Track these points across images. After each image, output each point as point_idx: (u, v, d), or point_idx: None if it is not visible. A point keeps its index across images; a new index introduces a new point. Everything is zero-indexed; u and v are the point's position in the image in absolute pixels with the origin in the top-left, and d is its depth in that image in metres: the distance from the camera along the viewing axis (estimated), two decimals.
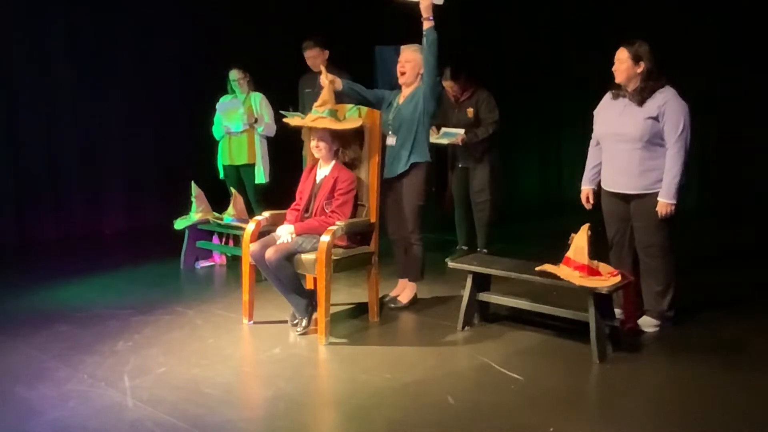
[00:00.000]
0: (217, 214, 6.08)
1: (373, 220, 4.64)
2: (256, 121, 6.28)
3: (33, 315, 4.88)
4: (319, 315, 4.33)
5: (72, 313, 4.90)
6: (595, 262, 4.09)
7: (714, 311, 4.77)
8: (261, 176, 6.37)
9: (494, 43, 8.62)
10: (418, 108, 4.76)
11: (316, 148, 4.54)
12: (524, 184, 9.16)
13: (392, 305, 4.95)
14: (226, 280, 5.91)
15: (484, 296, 4.55)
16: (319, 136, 4.52)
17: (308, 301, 4.49)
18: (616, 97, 4.30)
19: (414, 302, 4.97)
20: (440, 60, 4.67)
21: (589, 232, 4.07)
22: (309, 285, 4.96)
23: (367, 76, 10.02)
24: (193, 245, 6.19)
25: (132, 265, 6.21)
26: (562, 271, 4.09)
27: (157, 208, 7.60)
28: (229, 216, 5.99)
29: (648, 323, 4.37)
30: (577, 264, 4.04)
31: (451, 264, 4.57)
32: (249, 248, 4.53)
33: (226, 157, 6.47)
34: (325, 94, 4.48)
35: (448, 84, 5.78)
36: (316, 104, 4.52)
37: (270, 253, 4.30)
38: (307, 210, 4.57)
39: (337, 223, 4.40)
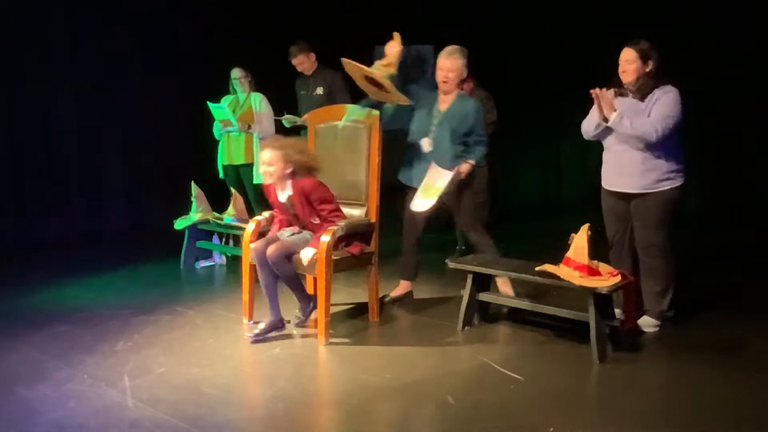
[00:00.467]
0: (217, 214, 6.09)
1: (373, 220, 4.64)
2: (249, 127, 6.27)
3: (33, 315, 4.88)
4: (319, 315, 4.33)
5: (72, 313, 4.90)
6: (595, 262, 4.09)
7: (714, 311, 4.77)
8: (260, 176, 6.36)
9: (494, 43, 8.63)
10: (468, 122, 4.71)
11: (266, 174, 4.37)
12: (524, 184, 9.16)
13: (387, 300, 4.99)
14: (226, 280, 5.91)
15: (484, 296, 4.55)
16: (267, 161, 4.34)
17: (310, 305, 4.50)
18: (617, 96, 4.29)
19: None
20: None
21: (589, 232, 4.07)
22: (309, 285, 4.96)
23: None
24: (193, 245, 6.19)
25: (132, 265, 6.21)
26: (562, 271, 4.09)
27: (157, 208, 7.60)
28: (229, 216, 5.99)
29: (648, 323, 4.38)
30: (577, 264, 4.04)
31: (451, 264, 4.57)
32: (249, 248, 4.53)
33: (225, 156, 6.48)
34: (392, 58, 4.40)
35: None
36: (382, 62, 4.44)
37: (271, 250, 4.30)
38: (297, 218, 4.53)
39: (338, 223, 4.40)
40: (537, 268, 4.27)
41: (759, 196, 7.61)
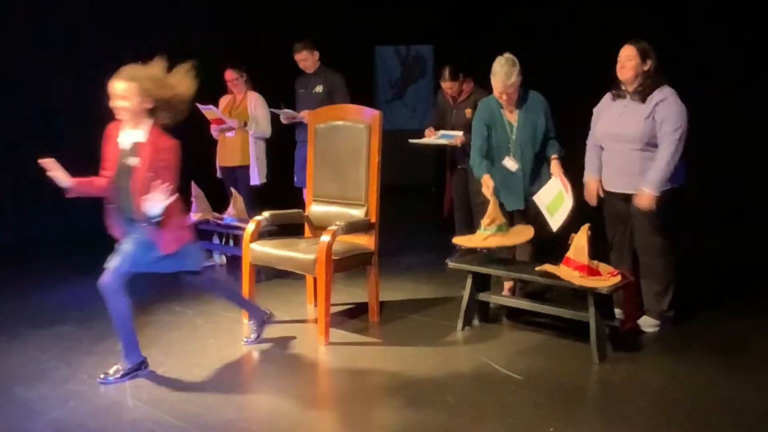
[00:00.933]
0: (217, 214, 6.08)
1: (373, 220, 4.64)
2: (245, 124, 6.27)
3: (33, 315, 4.88)
4: (319, 315, 4.33)
5: (72, 313, 4.90)
6: (595, 262, 4.10)
7: (714, 311, 4.77)
8: (255, 178, 6.36)
9: (496, 42, 8.64)
10: (538, 127, 4.56)
11: (119, 110, 3.81)
12: None
13: None
14: (226, 280, 5.90)
15: (484, 296, 4.55)
16: (120, 94, 3.79)
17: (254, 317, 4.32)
18: (615, 98, 4.31)
19: None
20: None
21: (589, 232, 4.08)
22: (309, 285, 4.97)
23: (367, 76, 10.07)
24: None
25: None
26: (562, 271, 4.09)
27: None
28: (229, 216, 5.99)
29: (648, 323, 4.38)
30: (577, 264, 4.04)
31: (451, 264, 4.57)
32: (249, 248, 4.53)
33: (221, 157, 6.48)
34: (492, 211, 4.28)
35: (446, 85, 5.73)
36: (484, 222, 4.30)
37: (105, 277, 3.73)
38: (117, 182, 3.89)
39: (337, 222, 4.40)
40: (537, 268, 4.27)
41: (759, 195, 7.60)
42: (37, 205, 7.18)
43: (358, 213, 4.65)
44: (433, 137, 5.69)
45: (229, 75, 6.33)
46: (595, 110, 4.45)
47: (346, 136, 4.77)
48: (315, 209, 4.89)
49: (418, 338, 4.41)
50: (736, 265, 5.98)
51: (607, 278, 4.01)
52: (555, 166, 4.54)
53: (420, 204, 9.13)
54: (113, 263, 3.74)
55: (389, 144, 5.97)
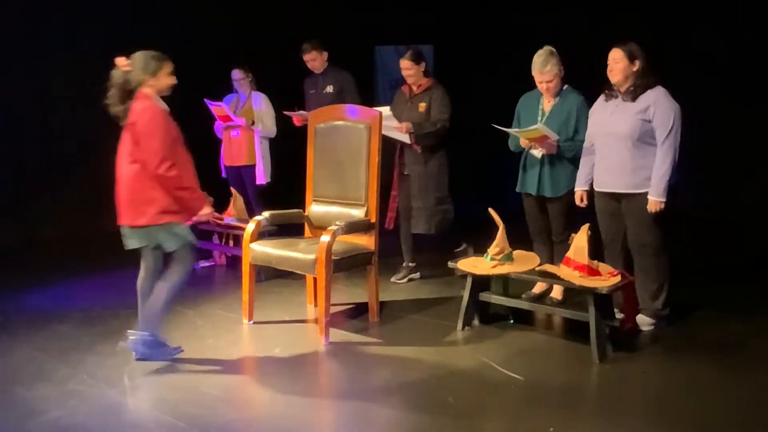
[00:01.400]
0: (217, 214, 6.07)
1: (373, 220, 4.64)
2: (253, 123, 6.27)
3: (33, 315, 4.88)
4: (319, 315, 4.33)
5: (72, 313, 4.90)
6: (595, 262, 4.10)
7: (714, 311, 4.77)
8: (261, 177, 6.37)
9: (496, 42, 8.64)
10: (568, 122, 4.54)
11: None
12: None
13: None
14: (226, 280, 5.90)
15: (484, 296, 4.56)
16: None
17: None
18: (608, 98, 4.35)
19: None
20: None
21: (589, 232, 4.08)
22: (309, 285, 4.97)
23: (367, 76, 10.06)
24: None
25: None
26: (562, 271, 4.09)
27: None
28: (229, 216, 5.99)
29: (643, 322, 4.38)
30: (577, 264, 4.04)
31: (451, 264, 4.57)
32: (249, 248, 4.53)
33: (227, 157, 6.48)
34: (500, 240, 4.30)
35: (404, 64, 5.31)
36: (492, 251, 4.30)
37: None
38: None
39: (337, 222, 4.40)
40: (537, 268, 4.28)
41: (758, 195, 7.60)
42: (37, 205, 7.18)
43: (358, 213, 4.65)
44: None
45: (236, 75, 6.34)
46: (590, 111, 4.48)
47: (346, 136, 4.77)
48: (315, 209, 4.89)
49: (418, 338, 4.41)
50: (734, 265, 5.98)
51: (607, 278, 4.01)
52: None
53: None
54: None
55: (389, 144, 5.98)
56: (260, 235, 4.69)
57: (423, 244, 6.08)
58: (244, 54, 6.78)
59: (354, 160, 4.71)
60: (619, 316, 4.23)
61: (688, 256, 5.66)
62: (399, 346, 4.31)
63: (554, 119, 4.57)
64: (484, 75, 8.54)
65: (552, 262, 4.51)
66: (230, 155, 6.44)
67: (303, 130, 6.13)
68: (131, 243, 3.97)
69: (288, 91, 6.54)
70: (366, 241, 4.64)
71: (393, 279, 5.65)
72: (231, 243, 6.17)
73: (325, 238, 4.29)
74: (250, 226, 4.66)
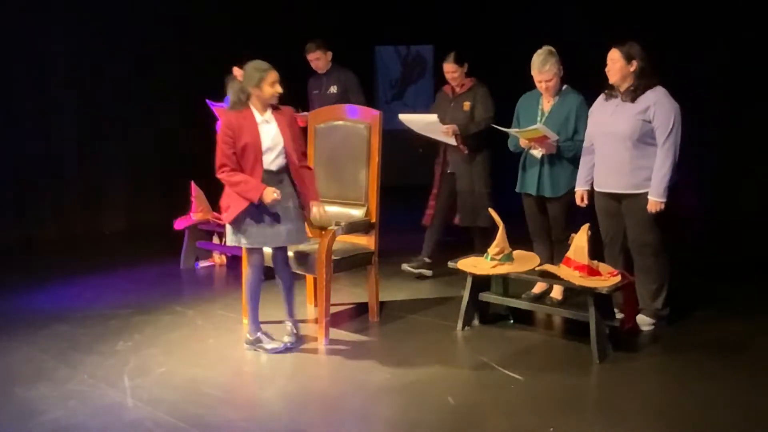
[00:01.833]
0: (217, 214, 6.08)
1: (373, 220, 4.64)
2: None
3: (33, 315, 4.88)
4: (319, 315, 4.33)
5: (72, 313, 4.90)
6: (595, 262, 4.10)
7: (714, 311, 4.77)
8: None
9: (496, 42, 8.63)
10: (567, 122, 4.53)
11: (274, 96, 4.09)
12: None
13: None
14: (226, 280, 5.90)
15: (484, 296, 4.56)
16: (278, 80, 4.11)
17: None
18: (608, 97, 4.35)
19: None
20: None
21: (589, 232, 4.08)
22: (309, 285, 4.97)
23: (367, 76, 10.06)
24: (193, 245, 6.19)
25: (132, 265, 6.21)
26: (562, 271, 4.09)
27: (157, 208, 7.60)
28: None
29: (643, 322, 4.38)
30: (577, 264, 4.04)
31: (451, 264, 4.57)
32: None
33: None
34: (500, 240, 4.29)
35: (448, 68, 5.49)
36: (492, 251, 4.30)
37: (276, 259, 4.24)
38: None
39: (337, 222, 4.39)
40: (537, 268, 4.28)
41: (758, 195, 7.60)
42: (37, 205, 7.18)
43: (358, 213, 4.65)
44: (421, 116, 5.56)
45: (237, 74, 6.32)
46: (589, 112, 4.48)
47: (346, 136, 4.77)
48: (315, 209, 4.87)
49: (418, 338, 4.41)
50: (734, 264, 5.98)
51: (607, 278, 4.01)
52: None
53: (420, 204, 9.11)
54: None
55: (389, 144, 5.98)
56: None
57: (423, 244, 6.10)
58: (245, 54, 6.76)
59: (354, 160, 4.71)
60: (619, 316, 4.22)
61: (688, 256, 5.67)
62: (399, 346, 4.31)
63: (554, 119, 4.57)
64: (484, 75, 8.51)
65: (552, 262, 4.51)
66: None
67: (303, 131, 6.12)
68: None
69: (289, 91, 6.51)
70: (366, 241, 4.64)
71: (404, 266, 5.75)
72: None
73: (325, 238, 4.29)
74: None
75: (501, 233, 4.32)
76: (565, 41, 5.07)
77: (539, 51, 4.56)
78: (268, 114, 4.13)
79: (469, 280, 4.47)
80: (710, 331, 4.44)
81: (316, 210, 4.20)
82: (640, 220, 4.24)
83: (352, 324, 4.69)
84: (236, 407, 3.57)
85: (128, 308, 5.00)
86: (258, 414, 3.55)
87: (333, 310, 4.58)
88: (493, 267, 4.28)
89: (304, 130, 4.91)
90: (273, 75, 4.14)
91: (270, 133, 4.07)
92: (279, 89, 4.11)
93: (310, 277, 4.89)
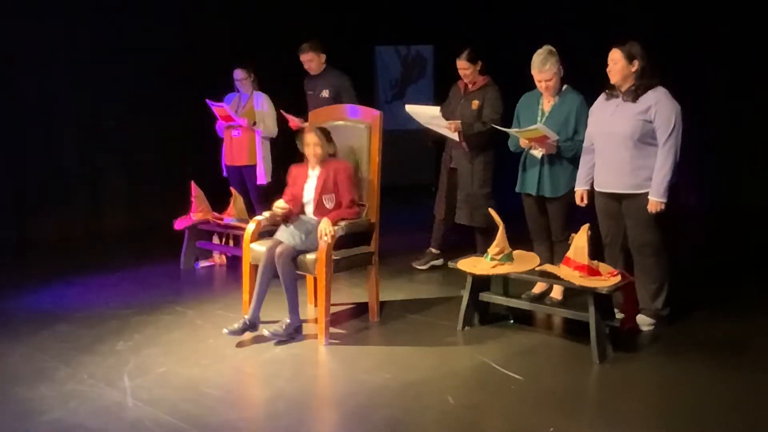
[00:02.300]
0: (217, 214, 6.09)
1: (373, 220, 4.64)
2: (254, 123, 6.26)
3: (33, 315, 4.88)
4: (319, 315, 4.33)
5: (72, 313, 4.90)
6: (595, 262, 4.10)
7: (714, 311, 4.77)
8: (262, 177, 6.36)
9: (496, 42, 8.64)
10: (567, 122, 4.54)
11: (313, 155, 4.55)
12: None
13: None
14: (226, 280, 5.90)
15: (484, 296, 4.56)
16: (315, 141, 4.54)
17: (299, 325, 4.44)
18: (609, 97, 4.35)
19: None
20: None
21: (589, 232, 4.08)
22: (309, 285, 4.97)
23: (367, 76, 10.06)
24: (193, 245, 6.19)
25: (132, 265, 6.21)
26: (562, 271, 4.09)
27: (157, 208, 7.60)
28: (229, 216, 5.99)
29: (643, 322, 4.38)
30: (577, 264, 4.04)
31: (451, 264, 4.57)
32: (249, 248, 4.53)
33: (228, 156, 6.48)
34: (500, 240, 4.30)
35: (461, 64, 5.51)
36: (492, 251, 4.30)
37: (279, 251, 4.32)
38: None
39: (339, 223, 4.40)
40: (537, 268, 4.28)
41: (759, 195, 7.61)
42: (37, 205, 7.18)
43: None
44: (425, 108, 5.55)
45: (238, 74, 6.32)
46: (589, 111, 4.48)
47: (346, 136, 4.77)
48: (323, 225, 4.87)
49: (418, 338, 4.41)
50: (732, 264, 5.98)
51: (607, 278, 4.01)
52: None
53: (420, 204, 9.12)
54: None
55: (389, 144, 5.98)
56: (261, 235, 4.69)
57: (424, 244, 6.10)
58: (245, 54, 6.78)
59: (354, 160, 4.70)
60: (619, 316, 4.22)
61: (688, 256, 5.67)
62: (399, 346, 4.31)
63: (554, 119, 4.57)
64: (484, 75, 8.52)
65: (552, 262, 4.51)
66: (231, 155, 6.43)
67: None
68: None
69: (289, 91, 6.54)
70: (366, 241, 4.64)
71: (414, 264, 5.87)
72: (231, 243, 6.17)
73: (325, 238, 4.29)
74: (251, 226, 4.66)
75: (501, 233, 4.32)
76: (566, 41, 5.06)
77: (539, 51, 4.56)
78: (318, 169, 4.59)
79: (469, 280, 4.47)
80: (710, 331, 4.44)
81: (323, 226, 4.34)
82: (641, 220, 4.24)
83: (352, 324, 4.69)
84: (236, 407, 3.57)
85: (128, 308, 5.00)
86: (258, 414, 3.55)
87: (333, 310, 4.58)
88: (493, 267, 4.28)
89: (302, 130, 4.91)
90: (304, 138, 4.60)
91: (311, 186, 4.59)
92: (307, 150, 4.57)
93: (310, 277, 4.89)
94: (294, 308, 4.38)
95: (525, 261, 4.37)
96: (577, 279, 3.99)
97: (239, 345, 4.31)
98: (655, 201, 4.15)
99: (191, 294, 5.42)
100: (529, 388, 3.67)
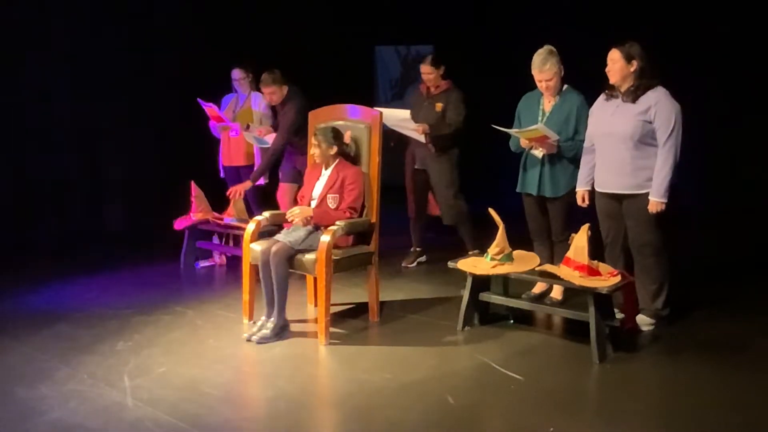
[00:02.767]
0: (217, 214, 6.09)
1: (373, 220, 4.64)
2: (248, 126, 6.23)
3: (33, 315, 4.88)
4: (319, 315, 4.33)
5: (72, 313, 4.90)
6: (595, 262, 4.10)
7: (714, 311, 4.77)
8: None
9: (496, 42, 8.64)
10: (568, 122, 4.52)
11: (311, 154, 4.65)
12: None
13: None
14: (226, 280, 5.91)
15: (484, 296, 4.55)
16: (313, 141, 4.63)
17: (285, 324, 4.45)
18: (609, 97, 4.35)
19: None
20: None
21: (589, 233, 4.08)
22: (309, 285, 4.97)
23: (367, 76, 10.07)
24: (193, 245, 6.19)
25: (132, 265, 6.21)
26: (562, 271, 4.09)
27: (157, 208, 7.60)
28: (229, 216, 6.00)
29: (643, 322, 4.39)
30: (577, 264, 4.04)
31: (451, 264, 4.57)
32: (249, 248, 4.53)
33: (225, 157, 6.47)
34: (500, 240, 4.31)
35: (425, 69, 5.69)
36: (492, 251, 4.32)
37: (275, 249, 4.33)
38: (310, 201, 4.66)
39: (338, 223, 4.40)
40: (537, 268, 4.28)
41: (759, 195, 7.60)
42: (37, 205, 7.18)
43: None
44: (395, 111, 5.66)
45: (237, 74, 6.31)
46: (589, 112, 4.48)
47: None
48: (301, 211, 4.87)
49: (418, 338, 4.41)
50: (732, 264, 5.98)
51: (607, 278, 4.01)
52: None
53: None
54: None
55: (404, 144, 5.99)
56: (261, 235, 4.69)
57: (423, 244, 6.11)
58: (245, 54, 6.77)
59: None
60: (619, 316, 4.23)
61: (688, 256, 5.67)
62: (399, 346, 4.31)
63: (554, 119, 4.57)
64: (484, 75, 8.53)
65: (552, 262, 4.51)
66: (229, 155, 6.42)
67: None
68: None
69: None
70: (366, 241, 4.64)
71: (403, 263, 6.03)
72: (231, 243, 6.17)
73: (325, 238, 4.29)
74: (251, 226, 4.66)
75: (501, 233, 4.32)
76: (566, 41, 5.06)
77: (539, 50, 4.56)
78: (331, 168, 4.63)
79: (469, 280, 4.47)
80: (710, 331, 4.44)
81: (300, 210, 4.53)
82: (641, 220, 4.24)
83: (352, 324, 4.69)
84: (236, 407, 3.57)
85: (128, 308, 5.00)
86: (258, 414, 3.55)
87: (333, 310, 4.58)
88: (493, 267, 4.28)
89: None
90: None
91: (320, 184, 4.63)
92: (312, 150, 4.67)
93: (310, 277, 4.89)
94: (281, 308, 4.39)
95: (525, 261, 4.37)
96: (577, 279, 3.99)
97: (239, 345, 4.31)
98: (656, 201, 4.15)
99: (191, 294, 5.42)
100: (529, 388, 3.67)
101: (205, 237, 6.24)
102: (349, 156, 4.68)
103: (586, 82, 4.58)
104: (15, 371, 3.94)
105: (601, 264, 4.16)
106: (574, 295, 4.56)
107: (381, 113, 4.75)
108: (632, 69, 4.20)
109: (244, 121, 6.30)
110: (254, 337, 4.33)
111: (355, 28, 9.17)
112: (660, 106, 4.13)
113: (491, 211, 4.41)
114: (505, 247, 4.31)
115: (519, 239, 4.64)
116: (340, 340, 4.39)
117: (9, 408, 3.49)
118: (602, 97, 4.40)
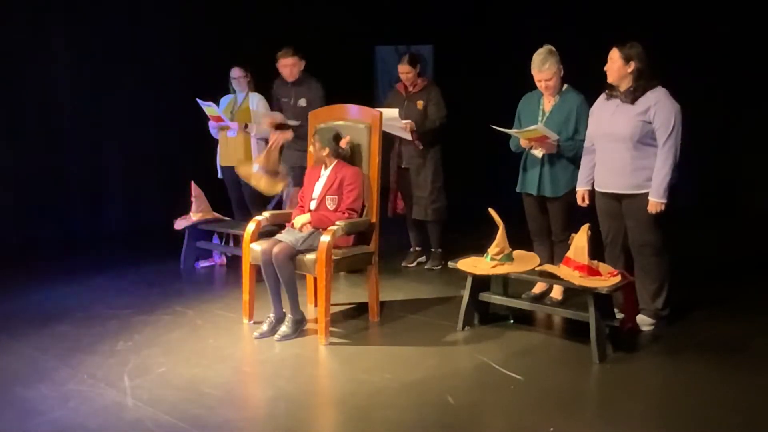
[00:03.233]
0: (217, 215, 6.09)
1: (373, 220, 4.64)
2: (246, 126, 6.22)
3: (33, 315, 4.88)
4: (319, 315, 4.33)
5: (72, 313, 4.90)
6: (595, 262, 4.10)
7: (713, 311, 4.77)
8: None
9: (496, 42, 8.64)
10: (568, 122, 4.53)
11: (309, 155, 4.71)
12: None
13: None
14: (226, 280, 5.91)
15: (484, 296, 4.56)
16: (312, 140, 4.66)
17: (301, 318, 4.48)
18: (609, 97, 4.35)
19: None
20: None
21: (589, 233, 4.08)
22: (309, 284, 4.97)
23: (367, 76, 10.07)
24: (193, 245, 6.19)
25: (132, 265, 6.21)
26: (562, 271, 4.09)
27: (157, 208, 7.60)
28: (258, 163, 5.63)
29: (643, 322, 4.38)
30: (577, 264, 4.04)
31: (451, 264, 4.57)
32: (249, 248, 4.54)
33: (223, 157, 6.46)
34: (500, 240, 4.31)
35: (403, 68, 5.74)
36: (492, 251, 4.32)
37: (277, 250, 4.33)
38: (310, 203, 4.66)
39: (337, 223, 4.40)
40: (537, 268, 4.28)
41: (758, 195, 7.61)
42: (38, 205, 7.18)
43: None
44: (383, 110, 5.60)
45: (236, 72, 6.29)
46: (590, 112, 4.48)
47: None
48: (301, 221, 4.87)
49: (418, 338, 4.41)
50: (734, 264, 5.98)
51: (607, 278, 4.01)
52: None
53: None
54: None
55: (389, 144, 5.99)
56: (261, 235, 4.69)
57: (423, 244, 6.11)
58: (245, 54, 6.77)
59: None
60: (619, 316, 4.23)
61: (688, 256, 5.67)
62: (399, 346, 4.31)
63: (554, 119, 4.57)
64: (484, 75, 8.53)
65: (552, 262, 4.51)
66: (227, 155, 6.39)
67: (303, 131, 6.08)
68: None
69: None
70: (366, 241, 4.64)
71: (404, 263, 6.04)
72: (231, 243, 6.17)
73: (325, 238, 4.29)
74: (251, 226, 4.66)
75: (501, 233, 4.32)
76: (566, 41, 5.07)
77: (539, 50, 4.56)
78: (329, 169, 4.63)
79: (469, 280, 4.47)
80: (710, 331, 4.44)
81: (300, 218, 4.53)
82: (641, 220, 4.24)
83: (352, 324, 4.69)
84: (236, 407, 3.57)
85: (128, 308, 5.00)
86: (258, 414, 3.55)
87: (333, 310, 4.58)
88: (493, 267, 4.28)
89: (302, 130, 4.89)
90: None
91: (320, 185, 4.63)
92: (309, 148, 4.77)
93: (310, 277, 4.89)
94: (295, 304, 4.42)
95: (525, 261, 4.37)
96: (577, 279, 3.99)
97: (239, 345, 4.31)
98: (656, 201, 4.15)
99: (191, 294, 5.42)
100: (529, 388, 3.67)
101: (205, 237, 6.23)
102: (345, 158, 4.68)
103: (586, 82, 4.58)
104: (15, 371, 3.93)
105: (601, 264, 4.16)
106: (574, 295, 4.56)
107: (381, 113, 4.75)
108: (629, 70, 4.19)
109: (243, 120, 6.29)
110: (276, 336, 4.34)
111: (355, 27, 9.17)
112: (660, 107, 4.13)
113: (491, 211, 4.41)
114: (505, 247, 4.31)
115: (519, 239, 4.64)
116: (340, 340, 4.39)
117: (9, 408, 3.49)
118: (602, 96, 4.39)
